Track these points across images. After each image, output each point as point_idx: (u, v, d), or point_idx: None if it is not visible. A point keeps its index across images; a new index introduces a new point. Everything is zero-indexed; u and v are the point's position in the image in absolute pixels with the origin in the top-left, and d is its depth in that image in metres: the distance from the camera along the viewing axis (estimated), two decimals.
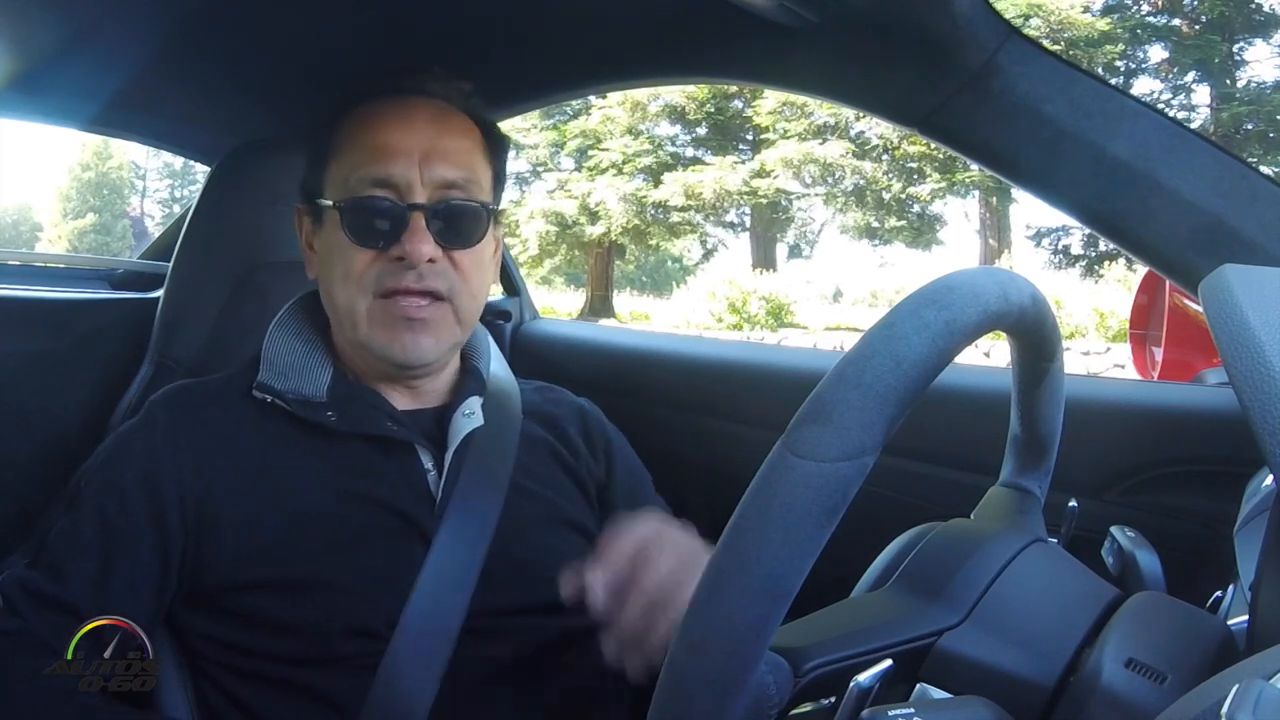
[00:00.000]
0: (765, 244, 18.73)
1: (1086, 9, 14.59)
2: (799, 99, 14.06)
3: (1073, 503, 0.68)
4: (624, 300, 20.47)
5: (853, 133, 15.77)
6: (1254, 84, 14.80)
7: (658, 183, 16.50)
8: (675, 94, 16.36)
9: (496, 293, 1.61)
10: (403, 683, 0.77)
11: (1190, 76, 15.37)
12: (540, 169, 18.69)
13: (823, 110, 15.19)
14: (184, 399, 0.87)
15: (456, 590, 0.80)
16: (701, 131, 17.49)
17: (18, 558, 0.82)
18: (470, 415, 0.88)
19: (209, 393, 0.88)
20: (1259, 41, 14.94)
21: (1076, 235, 16.30)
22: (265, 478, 0.82)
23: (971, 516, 0.65)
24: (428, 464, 0.85)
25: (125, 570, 0.78)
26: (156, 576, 0.80)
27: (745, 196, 16.53)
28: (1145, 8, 15.12)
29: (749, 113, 16.75)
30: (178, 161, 26.90)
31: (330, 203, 0.85)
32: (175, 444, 0.82)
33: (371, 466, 0.84)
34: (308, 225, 0.91)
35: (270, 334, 0.89)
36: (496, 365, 0.97)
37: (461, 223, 0.85)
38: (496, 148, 0.92)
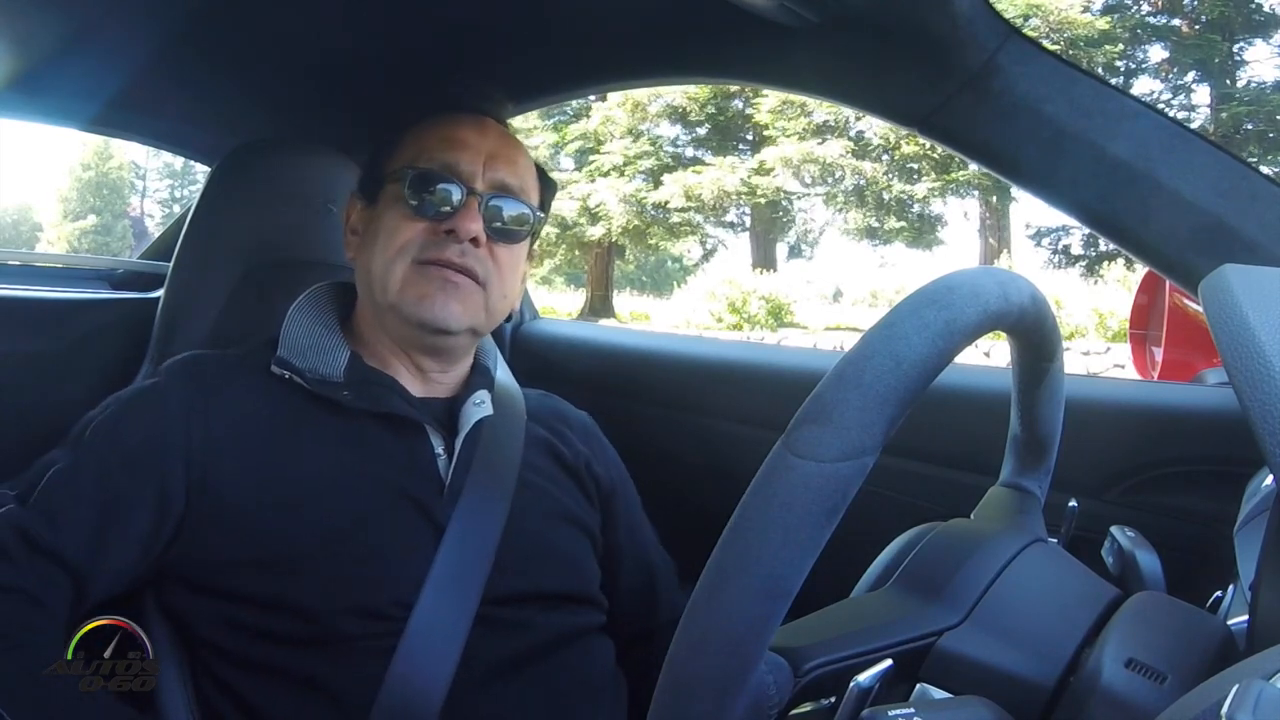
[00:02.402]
0: (765, 244, 18.72)
1: (1086, 9, 14.58)
2: (799, 98, 14.05)
3: (1073, 503, 0.68)
4: (624, 300, 20.47)
5: (852, 132, 15.76)
6: (1254, 84, 14.80)
7: (658, 184, 16.49)
8: (676, 94, 16.35)
9: None
10: (415, 674, 0.77)
11: (1190, 76, 15.37)
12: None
13: (822, 109, 15.19)
14: (200, 367, 0.88)
15: (470, 578, 0.81)
16: (702, 132, 17.48)
17: (5, 489, 0.81)
18: (480, 405, 0.91)
19: (226, 364, 0.89)
20: (1259, 41, 14.95)
21: (1076, 235, 16.30)
22: (275, 451, 0.83)
23: (971, 516, 0.65)
24: (438, 448, 0.87)
25: (120, 531, 0.79)
26: (147, 542, 0.80)
27: (745, 197, 16.52)
28: (1145, 8, 15.12)
29: (750, 112, 16.75)
30: (178, 161, 26.91)
31: (396, 168, 0.89)
32: (187, 413, 0.83)
33: (382, 445, 0.85)
34: (358, 209, 0.96)
35: (290, 316, 0.91)
36: (502, 372, 1.00)
37: (510, 219, 0.91)
38: (546, 186, 0.98)
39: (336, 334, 0.90)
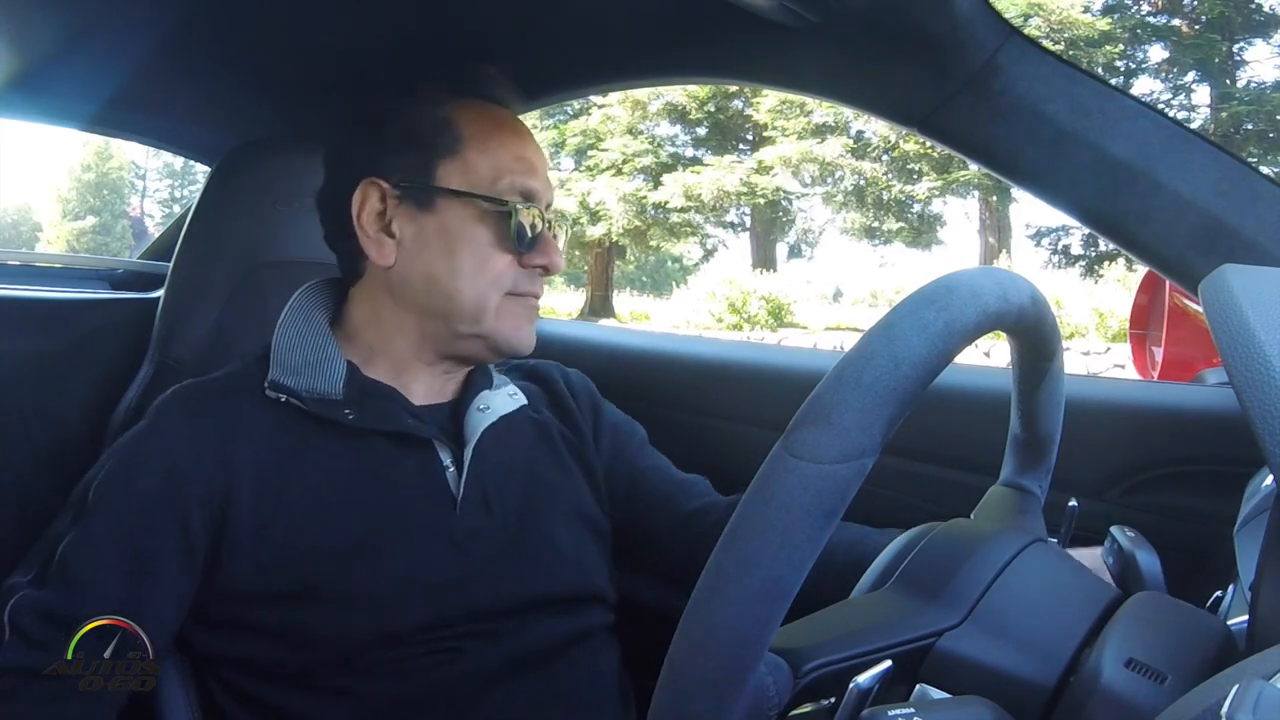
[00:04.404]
0: (765, 244, 18.72)
1: (1086, 9, 14.59)
2: (799, 98, 14.06)
3: (1073, 503, 0.67)
4: (624, 300, 20.46)
5: (852, 132, 15.77)
6: (1254, 84, 14.80)
7: (657, 183, 16.49)
8: (676, 93, 16.34)
9: None
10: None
11: (1190, 76, 15.37)
12: None
13: (822, 109, 15.19)
14: (194, 397, 0.83)
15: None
16: (702, 132, 17.48)
17: (16, 576, 0.78)
18: (485, 410, 0.88)
19: (217, 390, 0.84)
20: (1259, 41, 14.95)
21: (1076, 235, 16.32)
22: (281, 478, 0.79)
23: (971, 516, 0.65)
24: (446, 461, 0.85)
25: (153, 587, 0.75)
26: (183, 589, 0.77)
27: (744, 197, 16.52)
28: (1145, 8, 15.12)
29: (749, 112, 16.74)
30: (178, 161, 26.93)
31: (472, 189, 0.84)
32: (194, 442, 0.78)
33: (390, 464, 0.82)
34: (382, 204, 0.85)
35: (279, 330, 0.86)
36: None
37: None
38: None
39: (330, 344, 0.85)
